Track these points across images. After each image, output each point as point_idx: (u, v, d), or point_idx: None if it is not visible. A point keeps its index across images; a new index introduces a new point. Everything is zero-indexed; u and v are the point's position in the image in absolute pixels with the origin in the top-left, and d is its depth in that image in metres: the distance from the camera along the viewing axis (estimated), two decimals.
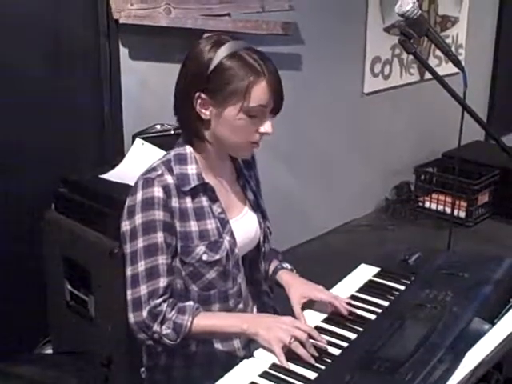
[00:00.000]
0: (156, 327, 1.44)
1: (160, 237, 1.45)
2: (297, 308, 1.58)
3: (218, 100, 1.43)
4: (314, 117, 3.70)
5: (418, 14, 1.65)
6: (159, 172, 1.48)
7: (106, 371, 2.15)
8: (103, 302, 2.22)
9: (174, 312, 1.45)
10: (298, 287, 1.63)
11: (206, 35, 1.52)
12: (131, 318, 1.46)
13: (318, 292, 1.61)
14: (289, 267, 1.74)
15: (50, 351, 2.61)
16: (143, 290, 1.45)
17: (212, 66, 1.42)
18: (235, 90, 1.41)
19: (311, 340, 1.40)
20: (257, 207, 1.66)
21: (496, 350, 1.10)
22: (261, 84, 1.42)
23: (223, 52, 1.42)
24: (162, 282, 1.46)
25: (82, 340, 2.36)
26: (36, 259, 2.46)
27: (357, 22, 3.86)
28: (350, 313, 1.55)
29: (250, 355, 1.42)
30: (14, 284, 2.58)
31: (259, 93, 1.42)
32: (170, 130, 2.57)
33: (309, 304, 1.61)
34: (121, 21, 2.69)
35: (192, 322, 1.44)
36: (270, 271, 1.72)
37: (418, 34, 1.69)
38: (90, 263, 2.25)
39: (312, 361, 1.36)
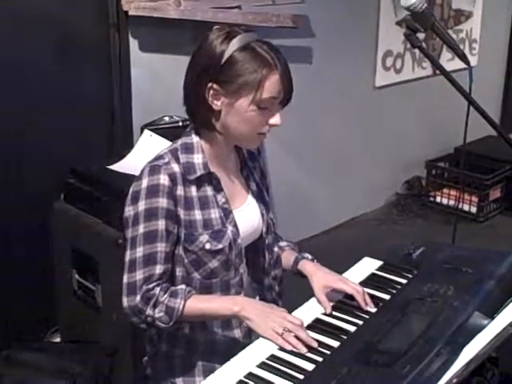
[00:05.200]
0: (149, 311, 1.46)
1: (161, 224, 1.46)
2: (322, 297, 1.57)
3: (230, 91, 1.45)
4: (324, 110, 3.69)
5: (423, 8, 1.64)
6: (166, 160, 1.49)
7: (111, 360, 2.17)
8: (110, 291, 2.24)
9: (166, 295, 1.47)
10: (320, 277, 1.62)
11: (215, 27, 1.52)
12: (125, 301, 1.48)
13: (341, 283, 1.60)
14: (309, 257, 1.74)
15: (58, 340, 2.65)
16: (139, 275, 1.46)
17: (225, 58, 1.43)
18: (248, 82, 1.43)
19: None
20: (260, 198, 1.66)
21: (490, 343, 1.10)
22: (274, 77, 1.44)
23: (235, 44, 1.44)
24: (159, 268, 1.47)
25: (88, 329, 2.38)
26: (45, 248, 2.49)
27: (369, 15, 3.84)
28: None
29: (250, 344, 1.43)
30: (23, 273, 2.61)
31: (271, 85, 1.44)
32: (178, 121, 2.59)
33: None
34: (130, 13, 2.70)
35: (184, 305, 1.46)
36: (291, 262, 1.71)
37: (423, 28, 1.68)
38: (97, 253, 2.27)
39: (304, 350, 1.36)
